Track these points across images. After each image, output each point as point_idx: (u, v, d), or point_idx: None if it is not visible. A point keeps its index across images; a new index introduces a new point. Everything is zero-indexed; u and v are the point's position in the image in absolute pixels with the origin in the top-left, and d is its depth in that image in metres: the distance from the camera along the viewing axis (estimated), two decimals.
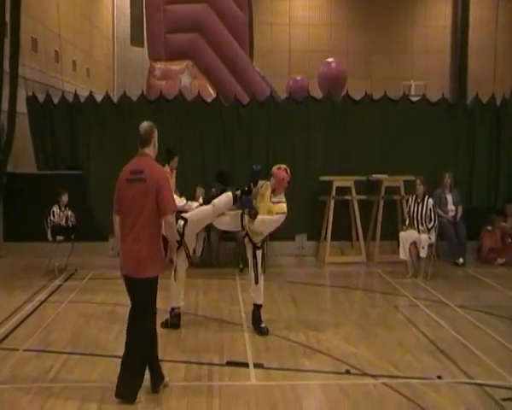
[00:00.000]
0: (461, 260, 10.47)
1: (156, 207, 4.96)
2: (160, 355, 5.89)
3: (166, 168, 9.86)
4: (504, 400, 5.19)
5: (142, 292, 5.03)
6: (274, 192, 6.78)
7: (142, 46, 19.56)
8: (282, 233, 11.27)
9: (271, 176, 6.85)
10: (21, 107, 11.03)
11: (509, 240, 10.81)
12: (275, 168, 6.86)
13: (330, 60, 19.23)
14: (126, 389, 4.98)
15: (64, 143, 11.22)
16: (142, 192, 4.94)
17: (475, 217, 10.90)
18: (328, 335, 6.89)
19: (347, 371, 5.76)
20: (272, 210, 6.67)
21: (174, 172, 8.94)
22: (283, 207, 6.72)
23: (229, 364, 5.89)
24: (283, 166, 6.86)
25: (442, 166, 11.01)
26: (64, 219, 9.81)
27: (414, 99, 12.43)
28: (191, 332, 6.89)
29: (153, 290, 5.10)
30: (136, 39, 21.12)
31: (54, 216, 9.74)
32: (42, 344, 6.46)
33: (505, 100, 11.59)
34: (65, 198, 9.85)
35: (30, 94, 11.26)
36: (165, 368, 5.77)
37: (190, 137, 11.22)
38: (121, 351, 5.95)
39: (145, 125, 5.20)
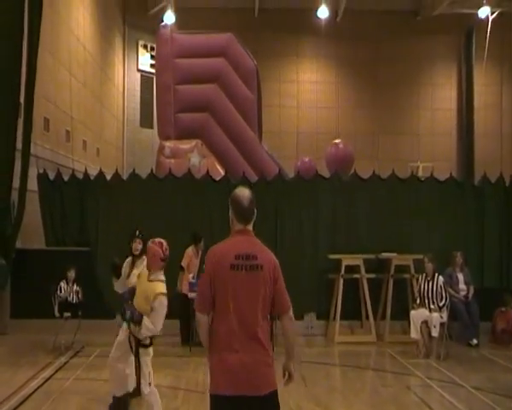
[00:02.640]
0: (474, 341, 10.38)
1: (270, 300, 3.91)
2: None
3: (193, 249, 10.29)
4: None
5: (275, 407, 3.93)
6: (150, 270, 5.92)
7: (152, 128, 20.29)
8: None
9: None
10: (32, 184, 11.38)
11: None
12: (149, 242, 6.02)
13: (337, 141, 19.80)
14: None
15: (73, 219, 11.52)
16: (258, 283, 3.85)
17: (488, 297, 10.89)
18: None
19: None
20: (148, 293, 5.77)
21: (200, 253, 10.42)
22: (158, 287, 5.76)
23: None
24: (158, 239, 5.98)
25: (452, 245, 11.13)
26: (71, 295, 9.93)
27: (422, 179, 12.75)
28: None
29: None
30: (145, 121, 21.94)
31: (61, 291, 9.86)
32: None
33: None
34: (72, 274, 10.00)
35: (41, 171, 11.65)
36: None
37: (199, 215, 11.46)
38: None
39: (247, 193, 3.99)
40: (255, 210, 4.00)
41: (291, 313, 3.97)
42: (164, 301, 5.69)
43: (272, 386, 3.85)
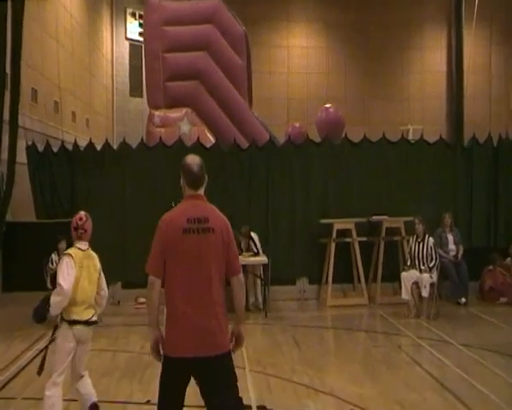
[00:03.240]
0: (463, 300, 10.53)
1: (223, 262, 3.95)
2: None
3: None
4: None
5: (230, 371, 3.94)
6: None
7: (141, 96, 20.04)
8: (283, 277, 11.50)
9: None
10: (21, 157, 11.22)
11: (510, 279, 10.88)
12: None
13: (328, 106, 19.65)
14: None
15: (63, 191, 11.40)
16: (211, 246, 3.88)
17: (477, 257, 11.02)
18: (331, 376, 6.91)
19: None
20: None
21: None
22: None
23: None
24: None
25: (442, 206, 11.19)
26: None
27: (412, 141, 12.72)
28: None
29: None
30: (135, 90, 21.65)
31: (52, 263, 9.75)
32: (41, 392, 6.38)
33: (502, 140, 11.88)
34: (63, 245, 9.86)
35: (29, 143, 11.50)
36: None
37: None
38: (123, 397, 6.01)
39: (197, 160, 4.04)
40: (205, 176, 4.04)
41: (241, 275, 4.05)
42: (64, 261, 5.24)
43: (225, 347, 3.89)
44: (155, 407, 5.70)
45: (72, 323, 5.22)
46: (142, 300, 10.92)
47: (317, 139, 13.61)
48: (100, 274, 5.47)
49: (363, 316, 10.43)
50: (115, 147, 12.25)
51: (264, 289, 10.32)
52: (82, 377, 5.46)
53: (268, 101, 22.73)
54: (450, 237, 10.80)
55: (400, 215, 11.01)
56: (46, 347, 5.40)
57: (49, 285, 9.65)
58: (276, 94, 24.09)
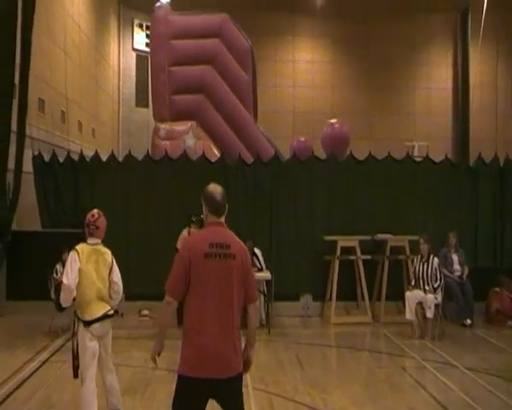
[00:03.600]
0: (468, 322, 10.40)
1: (241, 289, 4.06)
2: None
3: (187, 231, 10.11)
4: None
5: (240, 392, 4.12)
6: None
7: (147, 107, 20.11)
8: (286, 293, 11.44)
9: None
10: (27, 166, 11.26)
11: None
12: None
13: (333, 121, 19.67)
14: None
15: (68, 201, 11.40)
16: (232, 271, 4.00)
17: (482, 278, 10.89)
18: (334, 396, 6.83)
19: None
20: None
21: None
22: None
23: None
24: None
25: (447, 225, 11.11)
26: None
27: (418, 159, 12.68)
28: None
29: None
30: (140, 101, 21.74)
31: (57, 274, 9.71)
32: (44, 406, 6.41)
33: (509, 160, 11.81)
34: (66, 256, 9.85)
35: (36, 153, 11.53)
36: None
37: (194, 197, 11.35)
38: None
39: (219, 189, 4.18)
40: (226, 205, 4.18)
41: (257, 303, 4.26)
42: (70, 255, 5.47)
43: (237, 370, 4.03)
44: None
45: (88, 324, 5.29)
46: (146, 312, 10.91)
47: (322, 155, 13.62)
48: (111, 269, 5.49)
49: (367, 335, 10.34)
50: (121, 157, 12.28)
51: (268, 306, 10.25)
52: (111, 371, 5.56)
53: (273, 114, 22.77)
54: (455, 258, 10.71)
55: (405, 234, 10.96)
56: (72, 343, 5.44)
57: (52, 296, 9.63)
58: (282, 107, 24.14)
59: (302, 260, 11.24)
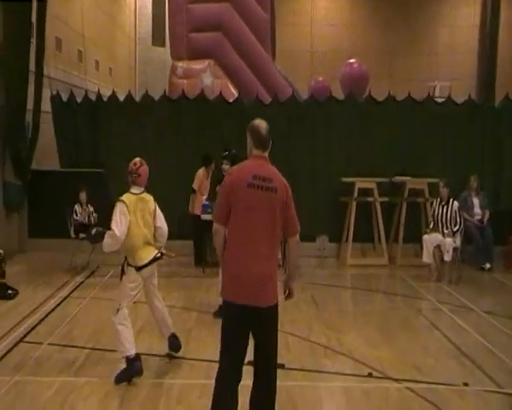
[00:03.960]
0: (487, 266, 10.28)
1: (281, 222, 4.15)
2: (182, 353, 5.99)
3: (203, 171, 10.14)
4: None
5: (275, 322, 4.24)
6: None
7: (164, 46, 19.74)
8: (302, 234, 11.31)
9: None
10: (46, 106, 11.21)
11: None
12: None
13: (352, 60, 19.19)
14: None
15: (86, 140, 11.38)
16: (273, 203, 4.09)
17: (502, 221, 10.71)
18: (349, 337, 6.85)
19: (369, 374, 5.71)
20: None
21: (210, 174, 10.28)
22: None
23: (251, 363, 5.88)
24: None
25: (468, 168, 10.89)
26: (86, 217, 9.91)
27: (439, 100, 12.33)
28: (212, 333, 6.89)
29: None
30: (157, 39, 21.31)
31: (76, 215, 9.86)
32: (65, 339, 6.55)
33: None
34: (83, 196, 9.94)
35: (54, 93, 11.43)
36: (187, 367, 5.85)
37: (211, 137, 11.26)
38: (143, 347, 6.08)
39: (264, 124, 4.26)
40: (271, 140, 4.25)
41: (298, 237, 4.26)
42: (117, 206, 5.49)
43: (273, 300, 4.15)
44: (175, 360, 5.86)
45: (139, 269, 5.51)
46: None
47: (340, 95, 13.32)
48: (155, 215, 5.67)
49: (383, 277, 10.29)
50: (138, 97, 12.15)
51: (284, 246, 10.23)
52: (159, 300, 5.85)
53: (291, 53, 22.22)
54: (476, 201, 10.50)
55: (425, 177, 10.76)
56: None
57: (72, 235, 9.76)
58: (300, 47, 23.55)
59: (319, 201, 11.15)
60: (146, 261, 5.54)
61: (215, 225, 4.20)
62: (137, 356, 5.46)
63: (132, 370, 5.38)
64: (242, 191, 4.07)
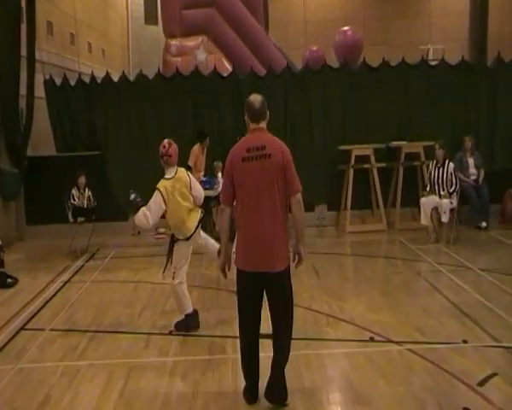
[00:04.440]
0: (484, 224, 10.22)
1: (283, 185, 4.24)
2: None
3: (198, 147, 10.05)
4: None
5: (286, 287, 4.40)
6: None
7: (157, 24, 19.42)
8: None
9: None
10: (39, 91, 11.01)
11: None
12: None
13: (346, 28, 18.91)
14: (284, 389, 4.44)
15: (82, 124, 11.21)
16: (269, 170, 4.21)
17: (498, 180, 10.59)
18: (350, 303, 6.80)
19: (371, 339, 5.69)
20: None
21: (205, 150, 10.37)
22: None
23: (269, 337, 5.83)
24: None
25: (463, 129, 10.72)
26: (85, 201, 9.79)
27: (433, 63, 12.12)
28: (213, 306, 6.85)
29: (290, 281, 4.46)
30: (150, 18, 20.98)
31: (74, 199, 9.70)
32: (67, 323, 6.49)
33: None
34: (82, 180, 9.79)
35: (47, 77, 11.23)
36: (190, 343, 5.79)
37: (208, 112, 11.10)
38: (146, 328, 6.04)
39: (258, 98, 4.40)
40: (267, 111, 4.39)
41: (299, 196, 4.28)
42: (155, 194, 5.80)
43: (284, 264, 4.31)
44: (178, 338, 5.83)
45: (189, 239, 5.91)
46: (162, 230, 10.85)
47: (335, 63, 13.09)
48: (190, 185, 5.97)
49: (382, 242, 10.21)
50: (132, 77, 11.95)
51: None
52: (204, 236, 6.26)
53: (285, 24, 21.91)
54: (471, 161, 10.38)
55: (421, 140, 10.60)
56: (169, 253, 6.01)
57: (71, 219, 9.65)
58: (293, 17, 23.21)
59: (317, 170, 11.00)
60: (193, 230, 5.91)
61: (221, 206, 4.42)
62: (195, 311, 6.02)
63: (190, 323, 5.94)
64: (239, 167, 4.23)
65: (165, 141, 5.94)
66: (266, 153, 4.21)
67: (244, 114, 4.40)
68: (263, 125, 4.37)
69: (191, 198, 5.99)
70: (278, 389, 4.40)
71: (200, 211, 6.10)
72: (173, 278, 5.89)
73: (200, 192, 6.14)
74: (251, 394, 4.50)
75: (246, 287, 4.39)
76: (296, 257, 4.43)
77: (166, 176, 5.89)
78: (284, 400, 4.42)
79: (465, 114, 11.06)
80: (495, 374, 4.85)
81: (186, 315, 5.97)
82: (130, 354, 5.56)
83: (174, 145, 5.91)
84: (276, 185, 4.19)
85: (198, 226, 6.01)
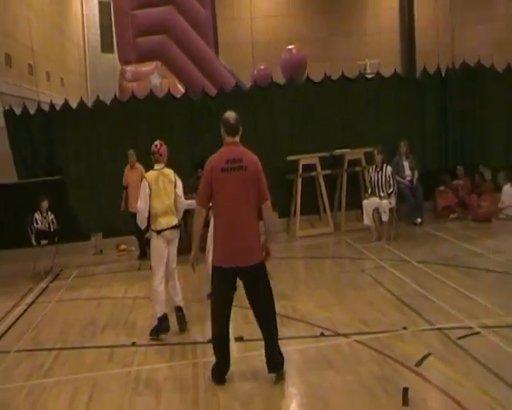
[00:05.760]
0: (418, 220, 10.52)
1: (256, 193, 4.61)
2: (147, 341, 5.85)
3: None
4: (460, 338, 5.34)
5: (263, 276, 4.76)
6: None
7: (113, 52, 19.21)
8: None
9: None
10: None
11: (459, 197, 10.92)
12: None
13: (291, 47, 19.11)
14: (281, 358, 4.89)
15: (42, 150, 10.89)
16: (245, 180, 4.58)
17: (430, 179, 10.99)
18: (302, 303, 6.85)
19: (322, 334, 5.76)
20: None
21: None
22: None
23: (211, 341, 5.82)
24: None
25: (398, 135, 10.98)
26: (47, 225, 9.56)
27: (369, 76, 12.41)
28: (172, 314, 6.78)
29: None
30: (106, 46, 20.73)
31: (37, 223, 9.46)
32: (33, 343, 6.31)
33: (449, 70, 11.64)
34: (45, 204, 9.58)
35: (7, 108, 10.94)
36: (152, 352, 5.75)
37: (162, 134, 11.00)
38: (110, 340, 5.92)
39: (232, 114, 4.73)
40: (240, 127, 4.74)
41: (268, 202, 4.70)
42: (142, 183, 6.04)
43: (256, 259, 4.66)
44: (141, 348, 5.76)
45: (160, 232, 5.98)
46: (123, 247, 10.74)
47: (282, 80, 13.23)
48: (176, 184, 6.10)
49: (330, 244, 10.33)
50: (90, 104, 11.76)
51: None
52: (174, 272, 6.21)
53: (233, 46, 22.00)
54: (406, 164, 10.66)
55: (362, 147, 10.79)
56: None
57: (34, 242, 9.40)
58: (241, 39, 23.33)
59: (267, 180, 11.03)
60: (167, 226, 5.98)
61: (198, 208, 4.69)
62: (165, 316, 6.04)
63: (161, 327, 5.99)
64: (218, 175, 4.55)
65: (157, 141, 6.20)
66: (243, 165, 4.56)
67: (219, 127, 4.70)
68: (237, 139, 4.70)
69: (173, 198, 6.07)
70: (279, 357, 4.83)
71: (177, 220, 6.14)
72: (152, 279, 6.06)
73: (181, 194, 6.21)
74: (221, 370, 4.82)
75: (223, 281, 4.65)
76: (264, 253, 4.73)
77: (155, 167, 6.12)
78: (282, 364, 4.84)
79: (399, 122, 11.33)
80: (429, 354, 5.03)
81: (157, 319, 6.04)
82: (94, 368, 5.45)
83: (165, 146, 6.16)
84: (251, 192, 4.56)
85: (170, 229, 6.02)
